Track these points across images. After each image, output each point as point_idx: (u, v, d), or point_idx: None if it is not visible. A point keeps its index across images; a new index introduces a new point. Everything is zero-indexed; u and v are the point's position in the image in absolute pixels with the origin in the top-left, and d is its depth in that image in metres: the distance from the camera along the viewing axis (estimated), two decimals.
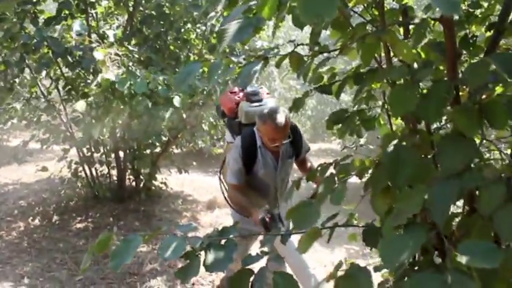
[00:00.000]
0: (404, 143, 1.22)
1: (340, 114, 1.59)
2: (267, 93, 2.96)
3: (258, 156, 2.77)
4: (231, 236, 1.48)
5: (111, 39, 3.83)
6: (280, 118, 2.56)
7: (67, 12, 4.13)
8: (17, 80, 4.43)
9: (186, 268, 1.38)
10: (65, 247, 4.28)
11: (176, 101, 3.53)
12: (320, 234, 1.28)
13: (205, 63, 1.63)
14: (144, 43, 4.22)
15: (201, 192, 6.02)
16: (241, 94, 2.97)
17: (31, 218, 4.83)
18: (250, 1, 1.45)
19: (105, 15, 4.69)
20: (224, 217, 5.16)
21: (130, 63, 3.55)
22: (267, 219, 2.53)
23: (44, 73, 4.39)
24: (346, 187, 1.26)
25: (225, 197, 3.04)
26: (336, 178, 1.46)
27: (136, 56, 3.92)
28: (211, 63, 1.59)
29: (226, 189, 3.05)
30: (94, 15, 4.48)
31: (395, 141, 1.29)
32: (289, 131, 2.72)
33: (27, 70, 4.35)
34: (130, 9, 4.41)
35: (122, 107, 3.72)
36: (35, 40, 3.77)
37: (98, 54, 3.43)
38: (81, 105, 3.81)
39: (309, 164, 3.02)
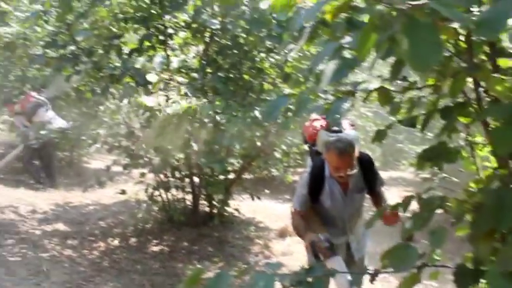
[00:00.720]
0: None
1: (433, 151, 1.54)
2: (351, 124, 2.91)
3: (325, 186, 2.73)
4: (319, 274, 1.47)
5: (175, 65, 3.97)
6: (345, 146, 2.53)
7: (148, 43, 4.37)
8: (101, 107, 4.69)
9: None
10: (142, 269, 4.41)
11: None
12: (419, 279, 1.24)
13: (292, 96, 1.65)
14: (217, 72, 4.34)
15: (273, 220, 6.02)
16: (323, 122, 2.97)
17: (111, 238, 5.03)
18: (338, 38, 1.46)
19: (183, 45, 4.88)
20: (296, 246, 5.11)
21: (189, 91, 3.64)
22: (323, 246, 2.52)
23: (125, 101, 4.62)
24: (446, 229, 1.21)
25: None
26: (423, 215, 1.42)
27: (206, 84, 4.06)
28: (299, 98, 1.60)
29: None
30: (172, 45, 4.68)
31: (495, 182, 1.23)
32: (358, 162, 2.67)
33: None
34: (207, 39, 4.56)
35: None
36: (120, 71, 4.00)
37: (151, 77, 3.58)
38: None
39: (382, 198, 2.91)
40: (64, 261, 4.54)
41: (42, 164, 7.42)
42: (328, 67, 1.27)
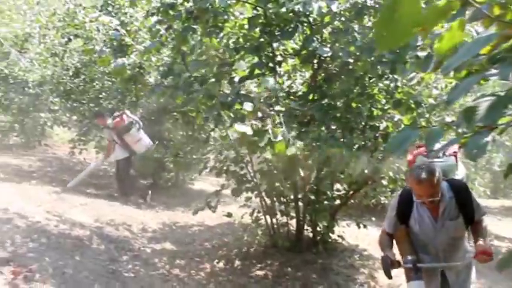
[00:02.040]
0: None
1: None
2: (453, 152, 2.88)
3: (413, 211, 2.77)
4: None
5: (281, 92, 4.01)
6: (425, 174, 2.51)
7: (258, 71, 4.48)
8: (212, 133, 4.87)
9: None
10: None
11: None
12: None
13: (422, 129, 1.58)
14: (323, 99, 4.32)
15: (377, 248, 5.81)
16: (423, 149, 2.93)
17: (216, 260, 5.15)
18: (480, 71, 1.38)
19: (291, 72, 4.94)
20: (402, 276, 4.90)
21: (285, 120, 3.63)
22: (406, 266, 2.65)
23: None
24: None
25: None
26: None
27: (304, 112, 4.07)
28: (430, 131, 1.53)
29: None
30: (281, 72, 4.76)
31: None
32: (450, 190, 2.67)
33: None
34: (315, 66, 4.58)
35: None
36: (231, 98, 4.13)
37: (247, 106, 3.62)
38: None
39: (481, 229, 2.77)
40: (173, 280, 4.73)
41: (117, 176, 7.90)
42: (481, 104, 1.21)
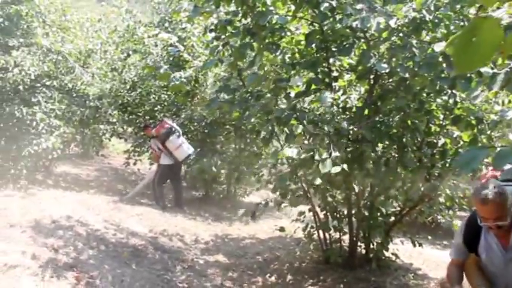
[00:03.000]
0: None
1: None
2: None
3: (481, 237, 2.55)
4: None
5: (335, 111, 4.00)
6: (489, 195, 2.30)
7: (314, 86, 4.51)
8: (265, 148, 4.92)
9: None
10: None
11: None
12: None
13: (491, 149, 1.56)
14: (377, 115, 4.29)
15: (432, 267, 5.66)
16: (496, 173, 2.79)
17: (268, 274, 5.17)
18: None
19: (346, 87, 4.94)
20: None
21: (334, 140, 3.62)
22: None
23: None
24: None
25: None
26: None
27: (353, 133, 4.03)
28: (500, 151, 1.50)
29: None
30: (335, 87, 4.76)
31: None
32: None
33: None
34: (371, 82, 4.55)
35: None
36: (286, 113, 4.17)
37: (298, 128, 3.63)
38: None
39: None
40: None
41: (172, 185, 8.06)
42: None
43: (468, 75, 3.50)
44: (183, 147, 7.51)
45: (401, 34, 3.97)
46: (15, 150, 7.42)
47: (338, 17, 4.10)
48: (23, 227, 5.06)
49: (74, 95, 8.37)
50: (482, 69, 3.17)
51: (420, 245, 5.25)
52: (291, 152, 3.75)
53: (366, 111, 4.53)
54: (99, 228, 5.63)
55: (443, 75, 3.81)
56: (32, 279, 3.94)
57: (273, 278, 5.09)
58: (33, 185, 7.69)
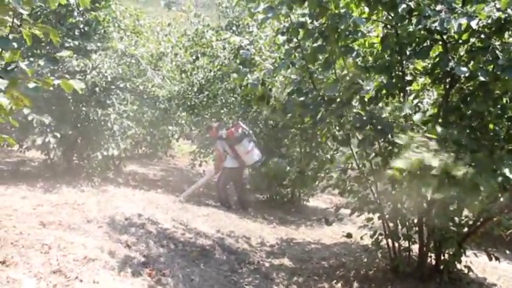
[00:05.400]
0: None
1: None
2: None
3: None
4: None
5: (417, 121, 3.83)
6: None
7: (385, 91, 4.43)
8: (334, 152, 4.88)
9: None
10: None
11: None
12: None
13: None
14: (459, 121, 4.12)
15: (508, 284, 5.38)
16: None
17: (334, 280, 5.10)
18: None
19: (419, 91, 4.80)
20: None
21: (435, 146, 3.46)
22: None
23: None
24: None
25: None
26: None
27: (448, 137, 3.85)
28: None
29: None
30: (408, 92, 4.64)
31: None
32: None
33: None
34: (447, 86, 4.40)
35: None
36: (361, 120, 4.12)
37: (400, 139, 3.48)
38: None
39: None
40: None
41: (235, 188, 8.14)
42: None
43: None
44: (253, 152, 7.57)
45: (482, 35, 3.81)
46: (90, 149, 7.80)
47: (414, 19, 3.99)
48: (99, 222, 5.30)
49: (145, 96, 8.69)
50: None
51: (497, 258, 4.99)
52: (402, 163, 3.53)
53: (453, 117, 4.35)
54: (168, 227, 5.79)
55: None
56: (109, 273, 4.11)
57: (339, 285, 5.02)
58: (105, 182, 8.05)
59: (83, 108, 7.52)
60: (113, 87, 7.81)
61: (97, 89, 7.50)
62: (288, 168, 7.37)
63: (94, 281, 3.88)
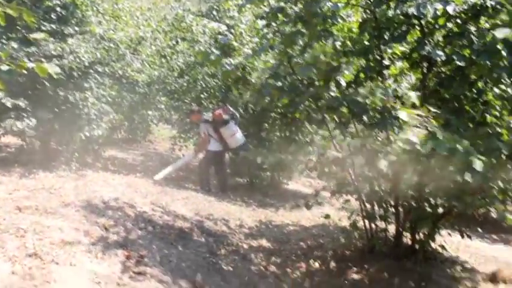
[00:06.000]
0: None
1: None
2: None
3: None
4: None
5: (414, 100, 3.91)
6: None
7: (363, 75, 4.48)
8: (314, 135, 4.93)
9: None
10: None
11: (477, 165, 3.37)
12: None
13: None
14: (442, 105, 4.20)
15: (480, 261, 5.57)
16: None
17: (312, 260, 5.20)
18: None
19: (397, 75, 4.87)
20: None
21: (429, 125, 3.56)
22: None
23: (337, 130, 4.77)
24: None
25: None
26: None
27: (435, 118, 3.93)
28: None
29: None
30: (387, 75, 4.70)
31: None
32: None
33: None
34: (424, 70, 4.47)
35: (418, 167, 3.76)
36: (337, 102, 4.16)
37: (402, 115, 3.56)
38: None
39: None
40: (269, 276, 4.86)
41: (216, 172, 8.13)
42: None
43: None
44: (237, 135, 7.55)
45: (458, 21, 3.88)
46: (68, 133, 7.71)
47: (392, 4, 4.04)
48: (76, 206, 5.26)
49: (124, 81, 8.61)
50: None
51: (469, 237, 5.15)
52: (413, 138, 3.52)
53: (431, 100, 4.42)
54: (146, 210, 5.78)
55: (502, 64, 3.69)
56: (86, 255, 4.10)
57: (316, 264, 5.12)
58: (84, 167, 7.97)
59: (60, 93, 7.41)
60: (91, 71, 7.72)
61: (74, 73, 7.40)
62: (265, 152, 7.39)
63: (71, 264, 3.87)
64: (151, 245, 4.80)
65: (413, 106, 3.85)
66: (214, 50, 5.10)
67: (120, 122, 9.11)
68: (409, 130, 3.43)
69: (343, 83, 4.40)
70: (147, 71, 8.91)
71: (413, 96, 3.91)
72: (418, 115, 3.55)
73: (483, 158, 3.35)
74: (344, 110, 4.25)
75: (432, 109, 3.70)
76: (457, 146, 3.33)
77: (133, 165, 10.08)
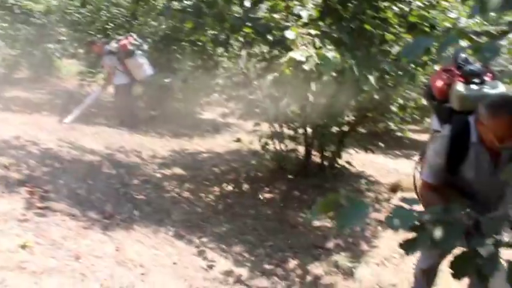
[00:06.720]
0: None
1: None
2: (491, 76, 2.43)
3: (470, 155, 2.23)
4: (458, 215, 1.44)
5: (305, 19, 3.91)
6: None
7: None
8: (222, 58, 4.84)
9: (413, 240, 1.39)
10: (255, 214, 4.61)
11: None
12: None
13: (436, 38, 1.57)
14: (339, 23, 4.23)
15: (383, 174, 5.93)
16: (457, 73, 2.44)
17: (225, 184, 5.28)
18: None
19: None
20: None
21: (320, 44, 3.58)
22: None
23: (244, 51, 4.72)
24: None
25: (416, 192, 2.63)
26: None
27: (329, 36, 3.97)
28: (445, 38, 1.51)
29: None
30: None
31: None
32: None
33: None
34: None
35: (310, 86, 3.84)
36: (240, 21, 4.06)
37: (289, 34, 3.56)
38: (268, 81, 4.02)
39: None
40: (183, 202, 4.87)
41: (114, 103, 7.91)
42: None
43: None
44: (145, 67, 7.18)
45: None
46: None
47: None
48: None
49: (18, 11, 7.89)
50: None
51: (372, 151, 5.44)
52: (297, 55, 3.49)
53: (329, 20, 4.42)
54: (52, 147, 5.51)
55: None
56: None
57: (229, 187, 5.21)
58: None
59: None
60: None
61: None
62: (176, 81, 7.19)
63: None
64: (58, 180, 4.60)
65: (306, 25, 3.85)
66: None
67: (18, 58, 8.42)
68: (296, 49, 3.41)
69: (248, 4, 4.28)
70: (44, 1, 8.21)
71: (305, 15, 3.90)
72: (308, 34, 3.54)
73: (371, 77, 3.43)
74: (248, 30, 4.17)
75: (325, 28, 3.70)
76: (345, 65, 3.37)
77: (39, 104, 9.47)
